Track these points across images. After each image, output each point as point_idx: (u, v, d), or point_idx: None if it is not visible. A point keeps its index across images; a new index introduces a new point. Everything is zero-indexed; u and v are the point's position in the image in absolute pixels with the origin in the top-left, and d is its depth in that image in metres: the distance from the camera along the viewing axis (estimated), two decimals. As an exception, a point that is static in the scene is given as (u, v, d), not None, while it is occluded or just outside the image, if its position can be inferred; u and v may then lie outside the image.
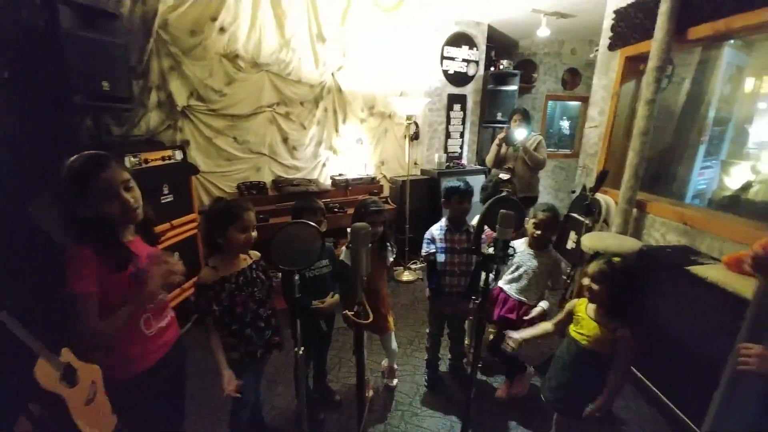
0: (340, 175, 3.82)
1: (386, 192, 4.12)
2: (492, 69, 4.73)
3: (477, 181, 3.73)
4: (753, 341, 1.21)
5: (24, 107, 1.97)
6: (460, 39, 4.43)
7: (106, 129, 2.54)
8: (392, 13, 3.79)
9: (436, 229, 2.11)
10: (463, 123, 4.77)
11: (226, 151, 3.19)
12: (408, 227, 3.74)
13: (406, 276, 3.76)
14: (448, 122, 4.65)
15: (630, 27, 2.84)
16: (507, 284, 2.13)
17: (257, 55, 3.16)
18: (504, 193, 1.98)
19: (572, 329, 1.61)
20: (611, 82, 3.15)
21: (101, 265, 1.07)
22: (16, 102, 1.94)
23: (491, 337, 2.62)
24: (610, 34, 3.09)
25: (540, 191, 3.84)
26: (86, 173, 1.08)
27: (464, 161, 4.81)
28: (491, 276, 1.32)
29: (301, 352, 1.23)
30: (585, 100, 4.87)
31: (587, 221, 2.74)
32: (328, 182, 3.79)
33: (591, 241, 2.46)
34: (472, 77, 4.64)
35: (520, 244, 2.11)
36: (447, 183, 2.10)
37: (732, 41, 2.74)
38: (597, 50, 3.37)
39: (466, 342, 2.38)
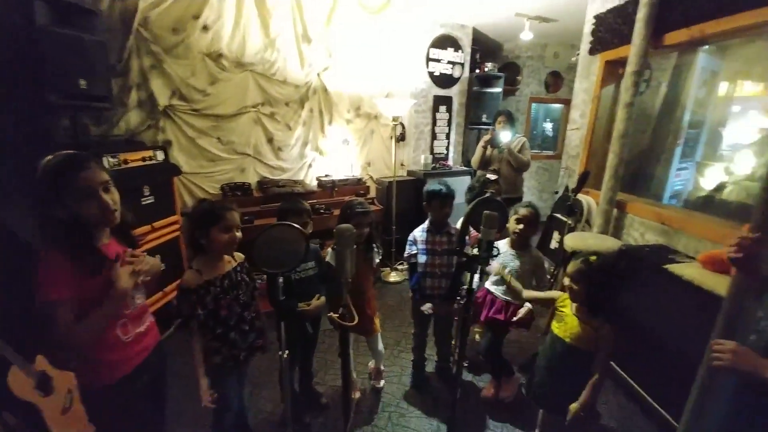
0: (326, 176, 3.80)
1: (373, 193, 4.12)
2: (477, 71, 4.78)
3: (463, 183, 3.77)
4: (727, 338, 1.26)
5: (-4, 106, 1.90)
6: (445, 41, 4.46)
7: (83, 129, 2.47)
8: (378, 15, 3.80)
9: (419, 231, 2.13)
10: (449, 124, 4.81)
11: (210, 151, 3.14)
12: (394, 228, 3.75)
13: (393, 277, 3.76)
14: (434, 123, 4.68)
15: (609, 32, 2.91)
16: (493, 285, 2.15)
17: (241, 54, 3.12)
18: (488, 194, 2.00)
19: (555, 326, 1.64)
20: (592, 85, 3.22)
21: (75, 269, 1.03)
22: (-12, 100, 1.87)
23: (477, 337, 2.65)
24: (591, 38, 3.16)
25: (524, 192, 3.90)
26: (64, 172, 1.04)
27: (450, 162, 4.85)
28: (476, 276, 1.33)
29: (285, 356, 1.21)
30: (567, 102, 4.97)
31: (570, 221, 2.79)
32: (314, 183, 3.77)
33: (573, 241, 2.51)
34: (458, 79, 4.68)
35: (502, 245, 2.13)
36: (428, 187, 2.10)
37: (706, 47, 2.84)
38: (578, 54, 3.45)
39: (452, 342, 2.39)
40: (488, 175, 2.84)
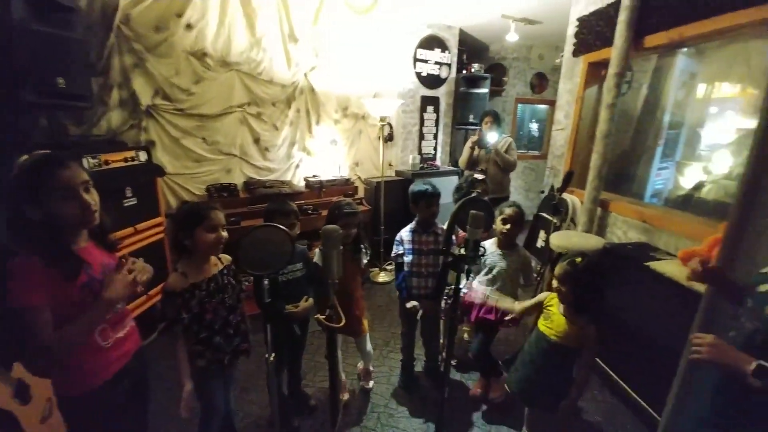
0: (314, 176, 3.78)
1: (361, 193, 4.12)
2: (464, 72, 4.82)
3: (450, 183, 3.78)
4: (706, 332, 1.29)
5: (-32, 104, 1.83)
6: (432, 42, 4.49)
7: (62, 128, 2.39)
8: (365, 15, 3.79)
9: (405, 231, 2.14)
10: (437, 125, 4.83)
11: (195, 152, 3.08)
12: (383, 228, 3.75)
13: (382, 277, 3.77)
14: (422, 124, 4.70)
15: (592, 34, 2.97)
16: (483, 286, 2.17)
17: (227, 53, 3.07)
18: (474, 194, 2.02)
19: (542, 323, 1.66)
20: (575, 86, 3.28)
21: (50, 274, 1.00)
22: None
23: (465, 336, 2.67)
24: (574, 40, 3.22)
25: (511, 192, 3.94)
26: (43, 171, 1.01)
27: (438, 162, 4.87)
28: (463, 276, 1.34)
29: (272, 359, 1.20)
30: (552, 103, 5.05)
31: (555, 220, 2.84)
32: (302, 184, 3.75)
33: (558, 240, 2.55)
34: (445, 80, 4.71)
35: (489, 245, 2.15)
36: (413, 187, 2.10)
37: (685, 49, 2.92)
38: (562, 56, 3.51)
39: (441, 341, 2.40)
40: (475, 175, 2.86)
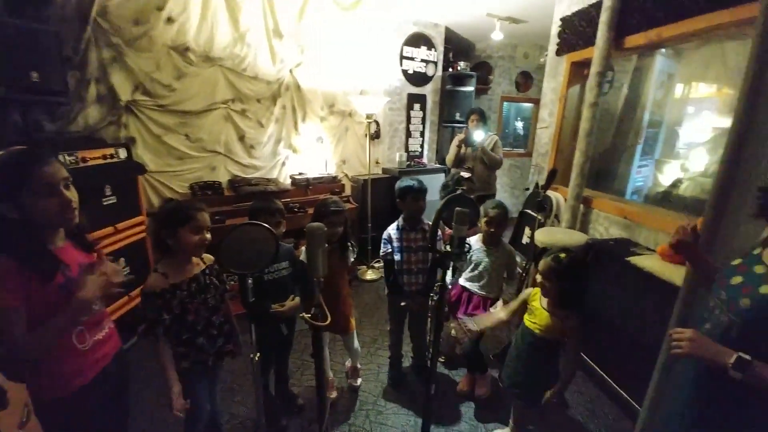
0: (300, 174, 3.74)
1: (348, 191, 4.10)
2: (450, 70, 4.84)
3: (437, 180, 3.81)
4: (683, 324, 1.33)
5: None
6: (418, 39, 4.49)
7: (36, 124, 2.31)
8: (351, 11, 3.77)
9: (393, 229, 2.13)
10: (423, 122, 4.84)
11: (178, 149, 3.02)
12: (370, 226, 3.75)
13: (370, 275, 3.76)
14: (409, 121, 4.71)
15: (575, 34, 3.02)
16: (469, 282, 2.19)
17: (209, 48, 3.01)
18: (459, 191, 2.03)
19: (527, 319, 1.70)
20: (559, 85, 3.33)
21: (26, 274, 0.96)
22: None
23: (452, 332, 2.69)
24: (557, 40, 3.26)
25: (497, 189, 3.98)
26: (23, 167, 0.97)
27: (425, 160, 4.89)
28: (449, 273, 1.35)
29: (257, 358, 1.19)
30: (537, 102, 5.11)
31: (540, 217, 2.88)
32: (288, 182, 3.70)
33: (543, 236, 2.59)
34: (431, 77, 4.72)
35: (474, 241, 2.18)
36: (400, 183, 2.10)
37: (663, 50, 3.00)
38: (546, 55, 3.55)
39: (428, 338, 2.42)
40: (461, 173, 2.89)
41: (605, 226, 2.78)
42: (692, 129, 3.55)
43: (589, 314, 2.15)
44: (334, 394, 2.18)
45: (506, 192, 5.91)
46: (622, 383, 2.13)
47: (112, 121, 2.66)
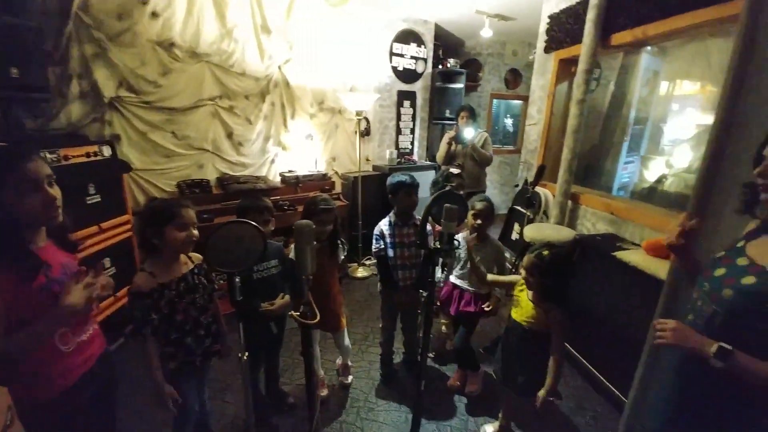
0: (289, 171, 3.71)
1: (338, 188, 4.08)
2: (440, 67, 4.84)
3: (428, 177, 3.82)
4: (668, 317, 1.36)
5: None
6: (408, 36, 4.48)
7: (16, 121, 2.24)
8: (339, 7, 3.74)
9: (384, 225, 2.13)
10: (413, 119, 4.84)
11: (164, 146, 2.96)
12: (361, 223, 3.74)
13: (360, 272, 3.76)
14: (399, 118, 4.70)
15: (563, 32, 3.04)
16: (460, 279, 2.20)
17: (196, 44, 2.96)
18: (448, 188, 2.04)
19: (514, 312, 1.72)
20: (547, 82, 3.36)
21: (5, 274, 0.94)
22: None
23: (443, 328, 2.71)
24: (546, 37, 3.29)
25: (487, 186, 4.01)
26: (6, 163, 0.95)
27: (415, 157, 4.89)
28: (438, 269, 1.36)
29: (245, 357, 1.18)
30: (526, 99, 5.15)
31: (529, 213, 2.91)
32: (278, 179, 3.68)
33: (532, 232, 2.62)
34: (421, 74, 4.72)
35: (462, 238, 2.18)
36: (391, 179, 2.11)
37: (649, 48, 3.04)
38: (535, 52, 3.58)
39: (419, 334, 2.43)
40: (451, 169, 2.89)
41: (592, 222, 2.82)
42: (677, 126, 3.62)
43: (576, 308, 2.19)
44: (325, 392, 2.17)
45: (496, 189, 5.95)
46: (609, 376, 2.16)
47: (96, 118, 2.60)
